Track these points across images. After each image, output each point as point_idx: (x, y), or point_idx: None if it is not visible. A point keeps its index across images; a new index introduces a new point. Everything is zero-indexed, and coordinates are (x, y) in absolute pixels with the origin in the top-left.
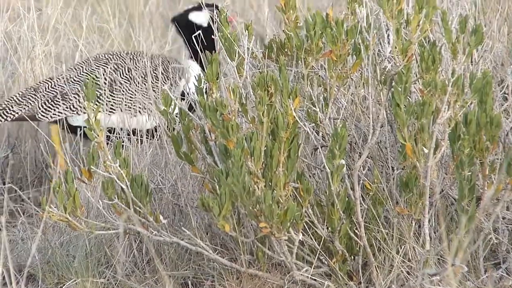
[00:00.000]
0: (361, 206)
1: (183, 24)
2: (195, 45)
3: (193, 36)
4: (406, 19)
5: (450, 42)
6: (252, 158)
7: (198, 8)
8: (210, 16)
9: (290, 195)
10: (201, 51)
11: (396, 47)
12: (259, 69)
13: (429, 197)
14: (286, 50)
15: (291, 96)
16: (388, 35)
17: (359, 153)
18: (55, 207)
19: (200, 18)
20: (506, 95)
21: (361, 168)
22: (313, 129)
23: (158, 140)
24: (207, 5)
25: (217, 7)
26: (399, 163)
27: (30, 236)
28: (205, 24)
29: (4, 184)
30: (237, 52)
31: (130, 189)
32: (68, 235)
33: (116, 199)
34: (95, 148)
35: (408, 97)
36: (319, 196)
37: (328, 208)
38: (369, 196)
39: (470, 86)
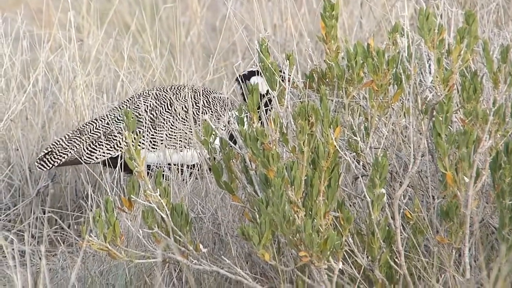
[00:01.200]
0: (401, 235)
1: (244, 85)
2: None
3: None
4: (447, 49)
5: (491, 72)
6: (293, 187)
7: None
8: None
9: (330, 224)
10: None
11: (437, 77)
12: (300, 99)
13: (470, 226)
14: (327, 79)
15: (332, 126)
16: (430, 65)
17: (400, 182)
18: (95, 236)
19: (261, 84)
20: None
21: (402, 197)
22: (354, 158)
23: (198, 169)
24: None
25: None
26: (439, 192)
27: (70, 265)
28: (264, 91)
29: (44, 213)
30: (278, 81)
31: (170, 218)
32: (108, 264)
33: (156, 228)
34: (135, 177)
35: (449, 127)
36: (360, 225)
37: (368, 237)
38: (410, 225)
39: (511, 115)
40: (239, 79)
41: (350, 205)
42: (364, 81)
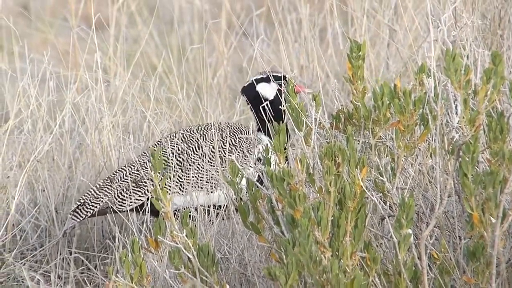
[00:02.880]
0: (428, 276)
1: (251, 94)
2: (262, 116)
3: (260, 108)
4: (474, 90)
5: None
6: (319, 227)
7: (266, 79)
8: (278, 89)
9: (357, 265)
10: (269, 122)
11: (463, 117)
12: (326, 139)
13: (496, 266)
14: (353, 120)
15: (358, 166)
16: (456, 106)
17: (426, 222)
18: (121, 277)
19: (267, 90)
20: None
21: (428, 237)
22: (381, 199)
23: (225, 210)
24: (275, 77)
25: (285, 77)
26: (466, 232)
27: None
28: (271, 97)
29: (70, 254)
30: (304, 122)
31: (197, 258)
32: None
33: (183, 269)
34: (162, 218)
35: (476, 167)
36: (386, 266)
37: (395, 278)
38: (436, 265)
39: None
40: (243, 92)
41: (377, 246)
42: (390, 122)
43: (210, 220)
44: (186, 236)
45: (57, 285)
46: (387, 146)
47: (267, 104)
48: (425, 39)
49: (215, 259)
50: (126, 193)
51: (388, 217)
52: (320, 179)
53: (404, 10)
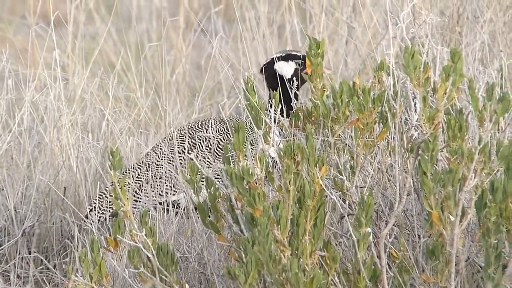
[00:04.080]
0: (387, 274)
1: (269, 73)
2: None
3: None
4: (433, 87)
5: (477, 110)
6: (279, 226)
7: (285, 58)
8: (295, 68)
9: (316, 263)
10: (285, 104)
11: (422, 115)
12: (285, 138)
13: (455, 264)
14: (313, 118)
15: (317, 165)
16: (415, 103)
17: (386, 221)
18: (81, 276)
19: (284, 68)
20: None
21: (388, 236)
22: (340, 197)
23: (184, 209)
24: (294, 56)
25: (304, 57)
26: (425, 231)
27: None
28: (288, 76)
29: (30, 253)
30: (263, 120)
31: (156, 258)
32: None
33: (142, 268)
34: (121, 217)
35: (435, 165)
36: (345, 264)
37: (354, 276)
38: (395, 264)
39: (496, 154)
40: (262, 70)
41: (336, 244)
42: (349, 120)
43: (169, 219)
44: (145, 235)
45: (16, 285)
46: (346, 144)
47: (284, 82)
48: (384, 36)
49: (175, 258)
50: (140, 194)
51: (348, 215)
52: (280, 178)
53: (363, 7)
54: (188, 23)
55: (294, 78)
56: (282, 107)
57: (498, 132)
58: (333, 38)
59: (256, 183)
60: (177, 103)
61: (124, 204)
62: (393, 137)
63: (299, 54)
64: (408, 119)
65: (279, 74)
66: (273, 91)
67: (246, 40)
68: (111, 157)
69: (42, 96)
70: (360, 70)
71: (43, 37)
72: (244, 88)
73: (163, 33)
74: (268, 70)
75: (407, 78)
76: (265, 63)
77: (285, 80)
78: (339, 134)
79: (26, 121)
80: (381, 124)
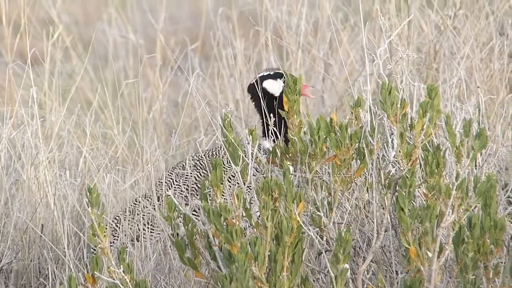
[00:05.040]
0: None
1: (256, 92)
2: (266, 118)
3: (264, 109)
4: (410, 123)
5: (454, 146)
6: (256, 262)
7: (273, 76)
8: (284, 87)
9: None
10: (274, 126)
11: (400, 151)
12: (263, 174)
13: None
14: (290, 154)
15: (295, 201)
16: (392, 140)
17: (363, 257)
18: None
19: (274, 86)
20: (510, 199)
21: (365, 272)
22: (317, 234)
23: (162, 245)
24: (280, 74)
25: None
26: (403, 267)
27: None
28: (277, 93)
29: None
30: (241, 157)
31: None
32: None
33: None
34: (99, 253)
35: (412, 201)
36: None
37: None
38: None
39: (474, 190)
40: (250, 88)
41: (314, 280)
42: (327, 156)
43: (146, 256)
44: (123, 271)
45: None
46: (323, 180)
47: (273, 100)
48: (361, 73)
49: None
50: (152, 225)
51: (325, 251)
52: (257, 214)
53: (339, 44)
54: (165, 60)
55: (280, 96)
56: (269, 126)
57: (476, 168)
58: (310, 75)
59: (234, 220)
60: (154, 140)
61: (102, 241)
62: (371, 173)
63: (282, 72)
64: (386, 155)
65: (268, 92)
66: (259, 110)
67: (223, 77)
68: (88, 194)
69: (19, 133)
70: (337, 106)
71: (20, 75)
72: (221, 124)
73: (140, 70)
74: (255, 89)
75: (384, 115)
76: (251, 82)
77: (273, 98)
78: (317, 171)
79: (4, 158)
80: (358, 160)
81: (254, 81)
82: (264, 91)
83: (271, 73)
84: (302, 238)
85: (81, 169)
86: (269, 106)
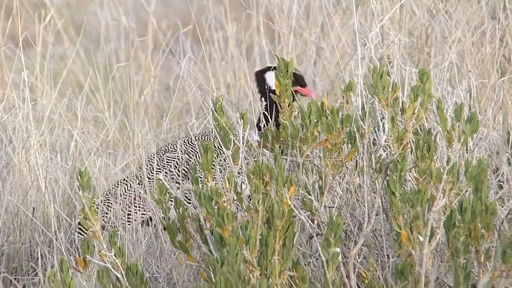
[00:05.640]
0: None
1: (259, 78)
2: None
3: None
4: (401, 107)
5: (445, 130)
6: (248, 246)
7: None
8: None
9: (286, 283)
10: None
11: (391, 136)
12: (254, 158)
13: (425, 284)
14: (281, 138)
15: (286, 185)
16: (383, 124)
17: (355, 241)
18: None
19: (272, 79)
20: (501, 183)
21: (357, 256)
22: (309, 218)
23: (153, 229)
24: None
25: (296, 76)
26: (394, 251)
27: None
28: (273, 87)
29: None
30: (232, 141)
31: (125, 278)
32: None
33: None
34: (90, 237)
35: (403, 185)
36: (315, 284)
37: None
38: (365, 284)
39: (465, 174)
40: (256, 75)
41: (305, 264)
42: (318, 140)
43: (138, 239)
44: (114, 255)
45: None
46: (314, 164)
47: (270, 93)
48: (352, 57)
49: (144, 278)
50: (132, 208)
51: (316, 235)
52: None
53: (331, 28)
54: (156, 43)
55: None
56: (268, 116)
57: (467, 153)
58: (301, 58)
59: (225, 203)
60: (146, 123)
61: (93, 224)
62: (362, 158)
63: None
64: (377, 140)
65: (267, 84)
66: (262, 97)
67: (215, 61)
68: (79, 177)
69: (11, 117)
70: (329, 91)
71: (11, 58)
72: (213, 108)
73: (131, 54)
74: (260, 77)
75: (376, 99)
76: (260, 69)
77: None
78: (308, 155)
79: None
80: (349, 144)
81: (261, 69)
82: (264, 81)
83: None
84: (293, 222)
85: (72, 153)
86: (267, 97)
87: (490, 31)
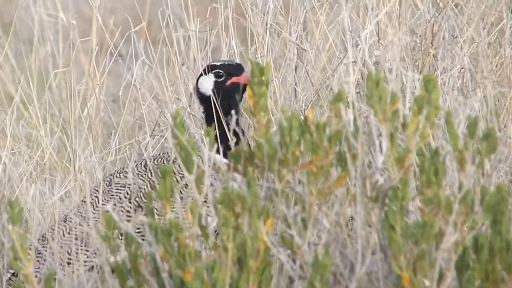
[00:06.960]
0: None
1: (195, 87)
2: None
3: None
4: (402, 122)
5: (456, 150)
6: None
7: (204, 71)
8: (215, 80)
9: None
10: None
11: (390, 157)
12: (223, 184)
13: None
14: (256, 160)
15: (262, 217)
16: (380, 142)
17: (346, 286)
18: None
19: (204, 84)
20: None
21: None
22: (289, 257)
23: (98, 272)
24: (212, 66)
25: (224, 66)
26: None
27: None
28: (208, 93)
29: None
30: (195, 163)
31: None
32: None
33: None
34: (20, 282)
35: (405, 218)
36: None
37: None
38: None
39: (481, 204)
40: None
41: None
42: (300, 162)
43: (80, 285)
44: None
45: None
46: (296, 192)
47: (210, 103)
48: (342, 61)
49: None
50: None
51: (299, 279)
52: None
53: (316, 26)
54: (102, 45)
55: (216, 94)
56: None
57: (483, 177)
58: (279, 62)
59: (187, 240)
60: (89, 143)
61: (25, 267)
62: (354, 184)
63: (218, 63)
64: (372, 162)
65: (201, 93)
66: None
67: (174, 65)
68: (9, 208)
69: None
70: (313, 102)
71: None
72: (172, 124)
73: (72, 57)
74: (196, 85)
75: (371, 112)
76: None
77: (210, 99)
78: (288, 180)
79: None
80: (339, 167)
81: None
82: (200, 93)
83: (205, 67)
84: (270, 262)
85: (0, 178)
86: (208, 111)
87: (510, 29)
